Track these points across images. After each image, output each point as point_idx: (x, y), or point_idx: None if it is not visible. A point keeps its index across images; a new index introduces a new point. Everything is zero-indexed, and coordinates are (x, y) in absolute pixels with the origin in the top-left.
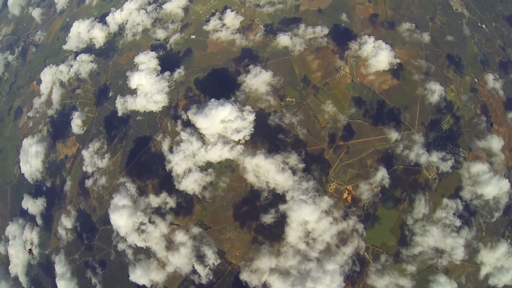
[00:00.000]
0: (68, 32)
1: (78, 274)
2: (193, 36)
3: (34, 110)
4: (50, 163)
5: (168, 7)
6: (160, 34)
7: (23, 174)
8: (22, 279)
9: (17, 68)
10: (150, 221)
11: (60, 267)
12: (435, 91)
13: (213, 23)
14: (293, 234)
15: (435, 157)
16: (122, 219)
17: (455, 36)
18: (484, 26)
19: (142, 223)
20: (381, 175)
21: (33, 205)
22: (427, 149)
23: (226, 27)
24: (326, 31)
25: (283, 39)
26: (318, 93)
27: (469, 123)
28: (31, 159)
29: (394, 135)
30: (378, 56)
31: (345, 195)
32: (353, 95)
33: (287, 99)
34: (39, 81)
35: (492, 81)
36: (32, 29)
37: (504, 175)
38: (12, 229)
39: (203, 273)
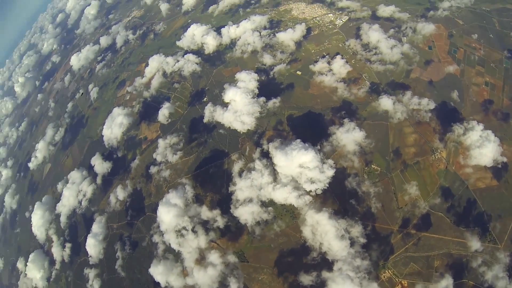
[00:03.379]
0: (185, 31)
1: (109, 241)
2: (299, 72)
3: (133, 87)
4: (129, 137)
5: (281, 36)
6: (267, 59)
7: (103, 136)
8: (63, 219)
9: (133, 47)
10: (192, 230)
11: (97, 227)
12: None
13: (321, 65)
14: None
15: None
16: (168, 215)
17: None
18: None
19: (184, 228)
20: (445, 284)
21: (99, 165)
22: (510, 274)
23: (333, 73)
24: (432, 105)
25: (386, 102)
26: (405, 170)
27: None
28: (114, 127)
29: (475, 244)
30: (483, 148)
31: None
32: (443, 184)
33: (372, 166)
34: (147, 65)
35: None
36: (156, 19)
37: None
38: (75, 175)
39: None
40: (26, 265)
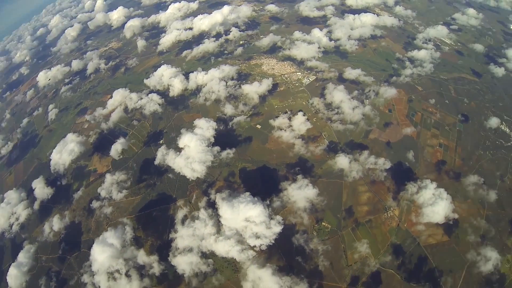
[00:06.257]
0: (155, 70)
1: (34, 274)
2: (258, 126)
3: (93, 117)
4: (78, 166)
5: (246, 88)
6: (229, 110)
7: (51, 159)
8: None
9: (103, 77)
10: (126, 274)
11: (24, 257)
12: (490, 259)
13: (281, 120)
14: None
15: None
16: (102, 255)
17: None
18: None
19: (117, 271)
20: None
21: (40, 190)
22: None
23: (292, 129)
24: (388, 165)
25: (342, 161)
26: (357, 229)
27: None
28: (64, 153)
29: None
30: (436, 206)
31: None
32: (394, 241)
33: (322, 223)
34: (112, 97)
35: None
36: (131, 54)
37: None
38: (12, 195)
39: None
40: None
